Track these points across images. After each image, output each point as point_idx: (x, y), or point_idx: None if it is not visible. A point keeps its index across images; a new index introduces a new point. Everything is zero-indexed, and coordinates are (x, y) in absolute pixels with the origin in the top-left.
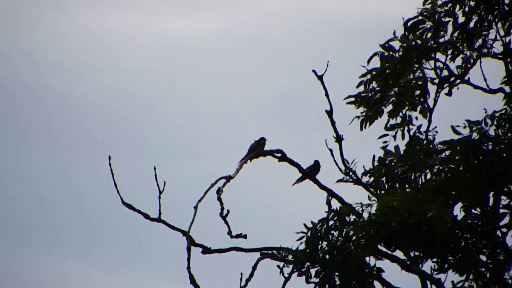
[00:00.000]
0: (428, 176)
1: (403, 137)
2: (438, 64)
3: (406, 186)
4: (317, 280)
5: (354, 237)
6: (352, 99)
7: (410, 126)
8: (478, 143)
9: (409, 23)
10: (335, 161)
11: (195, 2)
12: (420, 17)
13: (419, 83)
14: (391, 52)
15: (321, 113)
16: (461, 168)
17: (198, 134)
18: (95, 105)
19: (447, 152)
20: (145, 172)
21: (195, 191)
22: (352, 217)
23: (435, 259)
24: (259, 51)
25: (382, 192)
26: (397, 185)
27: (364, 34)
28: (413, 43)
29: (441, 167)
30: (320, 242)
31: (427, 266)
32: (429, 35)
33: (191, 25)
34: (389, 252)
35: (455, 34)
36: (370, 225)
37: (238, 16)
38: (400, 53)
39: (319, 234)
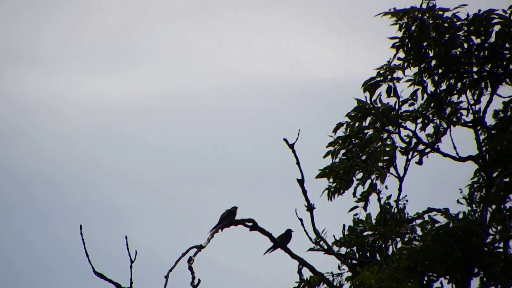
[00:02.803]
0: (399, 245)
1: (365, 208)
2: (407, 132)
3: (379, 258)
4: None
5: None
6: (322, 173)
7: (381, 195)
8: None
9: (367, 83)
10: (305, 230)
11: (124, 64)
12: (379, 79)
13: (387, 149)
14: (357, 122)
15: (292, 182)
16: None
17: (167, 203)
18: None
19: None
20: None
21: (166, 260)
22: (323, 286)
23: None
24: (220, 116)
25: (354, 261)
26: (368, 254)
27: (335, 97)
28: (381, 110)
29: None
30: None
31: None
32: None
33: (127, 87)
34: None
35: (424, 102)
36: None
37: (191, 80)
38: (367, 122)
39: None
